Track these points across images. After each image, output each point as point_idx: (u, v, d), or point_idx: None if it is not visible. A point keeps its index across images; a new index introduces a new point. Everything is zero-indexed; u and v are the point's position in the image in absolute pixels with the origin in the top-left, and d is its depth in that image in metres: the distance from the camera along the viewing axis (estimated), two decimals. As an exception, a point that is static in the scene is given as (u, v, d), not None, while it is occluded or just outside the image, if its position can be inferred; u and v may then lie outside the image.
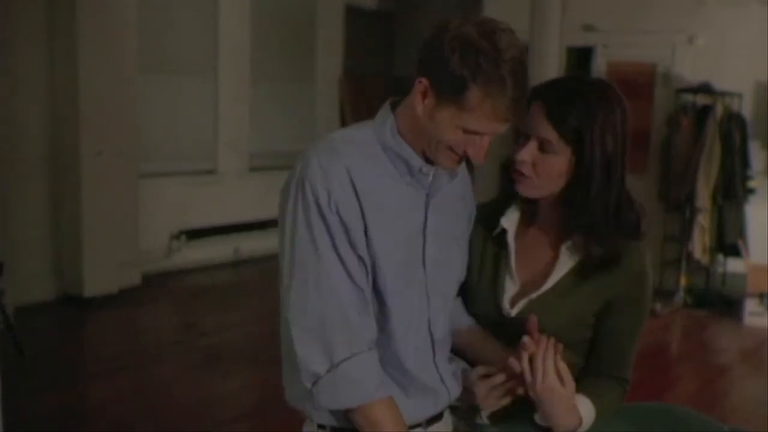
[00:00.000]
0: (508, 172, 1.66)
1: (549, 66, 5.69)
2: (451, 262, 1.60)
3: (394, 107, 1.51)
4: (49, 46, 5.53)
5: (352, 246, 1.42)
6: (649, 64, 6.79)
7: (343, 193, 1.41)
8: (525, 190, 1.63)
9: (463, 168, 1.61)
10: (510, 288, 1.67)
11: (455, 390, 1.63)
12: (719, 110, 6.18)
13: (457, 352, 1.72)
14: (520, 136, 1.62)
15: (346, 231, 1.41)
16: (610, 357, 1.67)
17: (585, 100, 1.56)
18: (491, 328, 1.70)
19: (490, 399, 1.63)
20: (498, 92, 1.34)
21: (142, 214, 6.14)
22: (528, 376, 1.53)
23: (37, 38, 5.48)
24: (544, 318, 1.63)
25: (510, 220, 1.69)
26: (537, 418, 1.60)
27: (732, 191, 6.13)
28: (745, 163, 6.21)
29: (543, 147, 1.57)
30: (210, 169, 6.97)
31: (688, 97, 6.37)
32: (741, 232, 6.18)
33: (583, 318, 1.65)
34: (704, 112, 6.23)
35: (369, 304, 1.46)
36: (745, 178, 6.22)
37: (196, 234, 6.53)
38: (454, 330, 1.71)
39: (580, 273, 1.63)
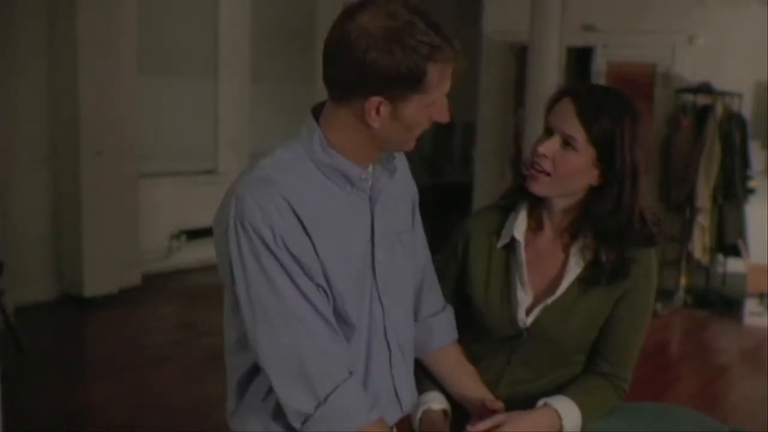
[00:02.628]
0: (521, 168, 1.65)
1: (549, 66, 5.68)
2: (398, 261, 1.55)
3: (317, 115, 1.45)
4: (49, 46, 5.53)
5: (309, 277, 1.38)
6: (649, 64, 6.79)
7: (287, 225, 1.35)
8: (538, 187, 1.61)
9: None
10: (523, 300, 1.67)
11: (408, 403, 1.60)
12: (719, 110, 6.17)
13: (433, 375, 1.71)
14: (545, 131, 1.62)
15: (299, 263, 1.36)
16: (608, 354, 1.67)
17: (615, 106, 1.57)
18: (506, 340, 1.69)
19: None
20: (443, 57, 1.35)
21: (142, 214, 6.14)
22: None
23: (37, 38, 5.48)
24: (561, 323, 1.63)
25: (520, 231, 1.68)
26: None
27: (732, 191, 6.13)
28: (745, 163, 6.21)
29: (567, 143, 1.57)
30: (210, 169, 6.97)
31: (688, 97, 6.37)
32: (741, 232, 6.18)
33: (597, 318, 1.65)
34: (704, 112, 6.23)
35: (337, 329, 1.42)
36: (745, 178, 6.21)
37: (196, 234, 6.52)
38: (433, 351, 1.69)
39: (590, 278, 1.63)
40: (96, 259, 5.64)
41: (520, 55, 7.02)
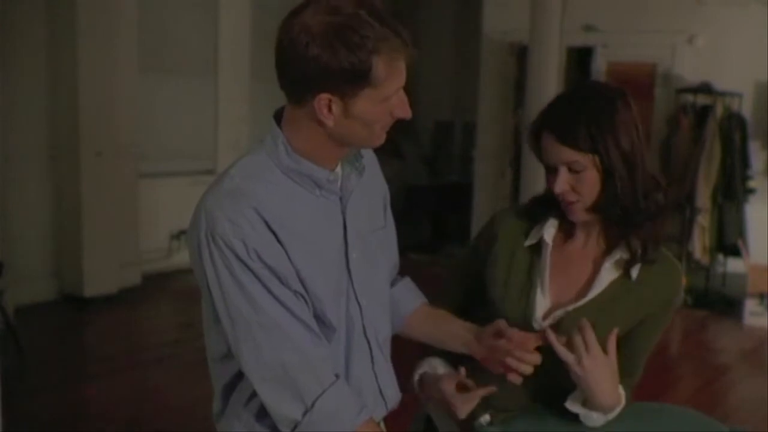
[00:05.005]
0: (554, 200, 1.65)
1: (549, 66, 5.69)
2: (375, 261, 1.55)
3: (279, 119, 1.43)
4: (49, 46, 5.53)
5: (286, 285, 1.37)
6: (649, 64, 6.79)
7: (259, 237, 1.34)
8: (577, 216, 1.62)
9: (366, 151, 1.56)
10: (541, 303, 1.66)
11: (393, 400, 1.61)
12: (719, 110, 6.17)
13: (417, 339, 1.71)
14: (548, 168, 1.62)
15: (275, 273, 1.36)
16: (625, 366, 1.65)
17: (585, 109, 1.57)
18: None
19: (467, 406, 1.60)
20: (389, 48, 1.32)
21: (142, 214, 6.15)
22: (568, 357, 1.52)
23: (37, 38, 5.48)
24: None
25: (550, 234, 1.67)
26: (571, 402, 1.60)
27: (732, 191, 6.13)
28: (745, 163, 6.21)
29: (572, 169, 1.57)
30: (210, 169, 6.96)
31: (688, 97, 6.37)
32: (741, 232, 6.18)
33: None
34: (704, 112, 6.23)
35: (319, 333, 1.42)
36: (745, 178, 6.21)
37: (196, 234, 6.52)
38: (408, 318, 1.69)
39: (622, 283, 1.62)
40: (96, 259, 5.64)
41: (520, 55, 7.02)
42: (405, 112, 1.40)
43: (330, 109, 1.34)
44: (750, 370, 5.13)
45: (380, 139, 1.43)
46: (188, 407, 3.98)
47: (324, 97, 1.32)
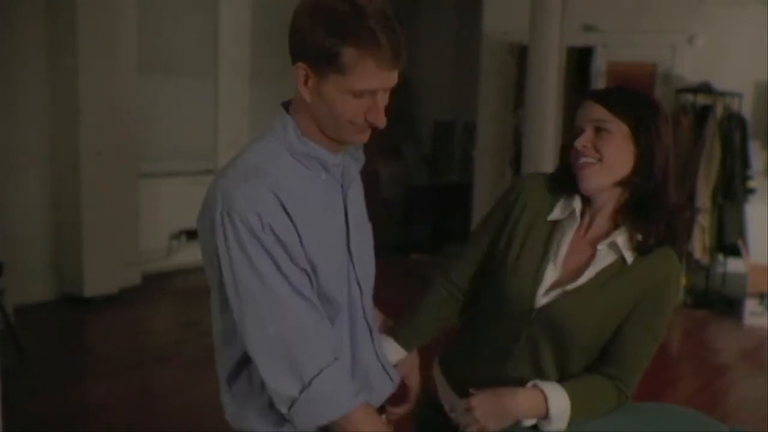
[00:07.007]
0: (570, 167, 1.67)
1: (549, 66, 5.68)
2: (367, 245, 1.63)
3: (288, 110, 1.50)
4: (49, 46, 5.53)
5: (294, 262, 1.41)
6: (649, 64, 6.79)
7: (274, 213, 1.39)
8: (591, 178, 1.62)
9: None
10: (549, 278, 1.66)
11: (396, 376, 1.67)
12: (719, 110, 6.17)
13: None
14: (576, 134, 1.66)
15: (285, 249, 1.40)
16: (616, 358, 1.65)
17: (635, 95, 1.65)
18: (517, 315, 1.67)
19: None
20: (372, 44, 1.35)
21: (142, 214, 6.15)
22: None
23: (37, 38, 5.48)
24: (575, 314, 1.63)
25: (577, 207, 1.68)
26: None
27: (732, 191, 6.13)
28: (745, 163, 6.21)
29: (598, 129, 1.61)
30: (210, 169, 6.96)
31: (688, 97, 6.37)
32: (741, 232, 6.18)
33: (611, 318, 1.64)
34: (704, 112, 6.23)
35: (322, 312, 1.45)
36: (745, 178, 6.22)
37: (196, 234, 6.47)
38: None
39: (618, 267, 1.63)
40: (96, 259, 5.64)
41: (520, 55, 7.02)
42: (377, 119, 1.42)
43: (307, 82, 1.41)
44: (750, 370, 5.13)
45: (352, 136, 1.45)
46: (188, 407, 3.98)
47: (301, 66, 1.40)
